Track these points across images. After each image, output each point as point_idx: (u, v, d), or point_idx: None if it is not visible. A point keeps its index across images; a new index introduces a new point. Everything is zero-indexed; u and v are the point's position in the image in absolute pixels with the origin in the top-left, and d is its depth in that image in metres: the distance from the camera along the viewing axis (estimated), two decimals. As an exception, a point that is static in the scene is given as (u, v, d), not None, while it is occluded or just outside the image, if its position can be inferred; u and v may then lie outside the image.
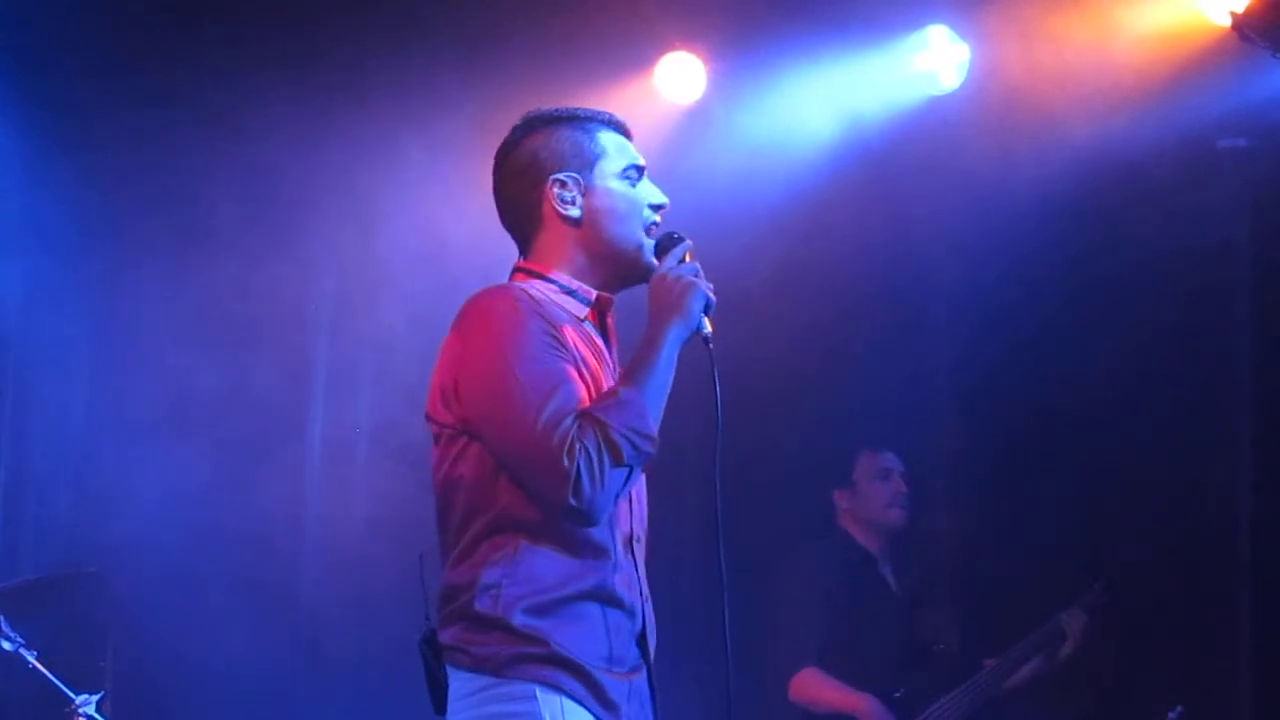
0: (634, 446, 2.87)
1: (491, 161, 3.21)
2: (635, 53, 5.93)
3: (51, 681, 4.64)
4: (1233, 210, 5.66)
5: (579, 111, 3.17)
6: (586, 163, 3.10)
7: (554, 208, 3.08)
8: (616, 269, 3.12)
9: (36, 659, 4.66)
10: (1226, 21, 5.04)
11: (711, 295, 3.08)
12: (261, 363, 5.90)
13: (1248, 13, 4.94)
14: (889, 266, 5.99)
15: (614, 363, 3.12)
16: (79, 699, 4.62)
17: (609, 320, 3.16)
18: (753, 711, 5.43)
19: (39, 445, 5.90)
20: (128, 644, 5.34)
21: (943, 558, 6.02)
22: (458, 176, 5.60)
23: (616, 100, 5.94)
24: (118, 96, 5.78)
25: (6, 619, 4.66)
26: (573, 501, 2.81)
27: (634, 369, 2.95)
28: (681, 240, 3.13)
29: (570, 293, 3.07)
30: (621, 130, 3.18)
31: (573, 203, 3.08)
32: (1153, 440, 5.72)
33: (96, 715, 4.65)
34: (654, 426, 2.92)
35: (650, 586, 3.09)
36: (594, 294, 3.09)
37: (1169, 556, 5.67)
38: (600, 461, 2.83)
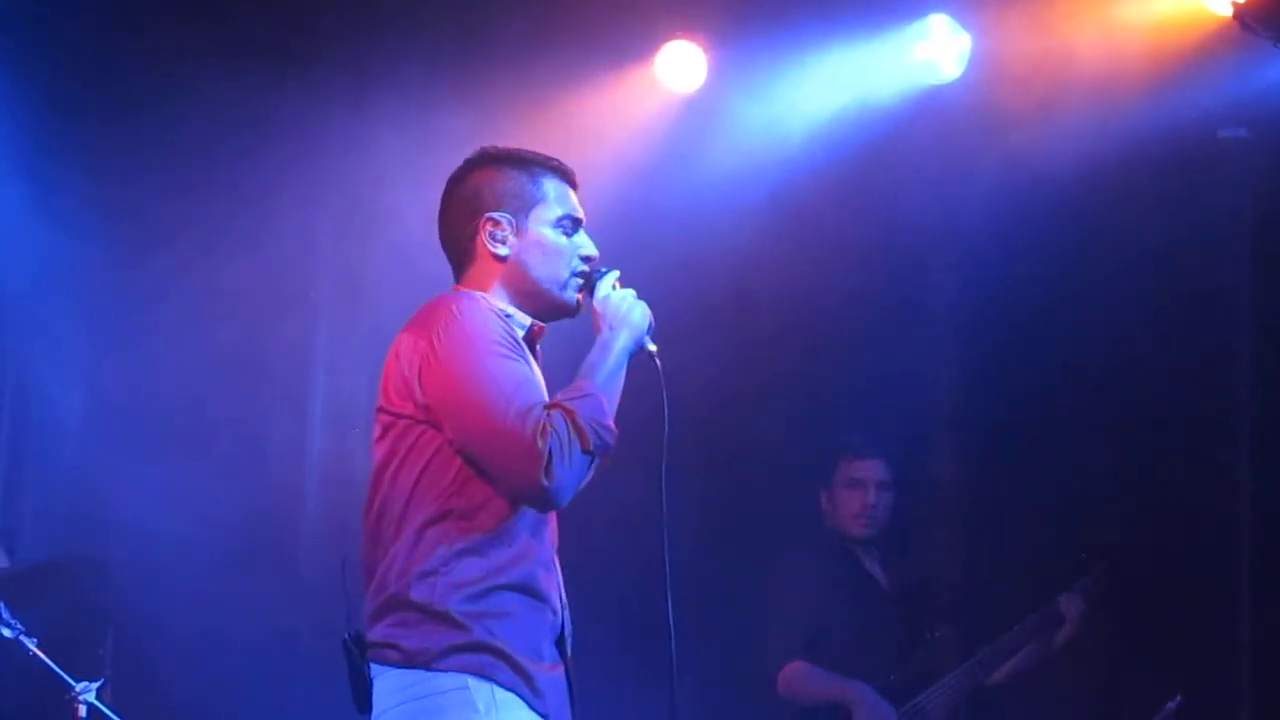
0: (598, 435, 3.02)
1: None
2: (635, 42, 5.92)
3: (51, 669, 4.65)
4: (1233, 200, 5.66)
5: (529, 155, 3.31)
6: (524, 206, 3.25)
7: (484, 243, 3.23)
8: (537, 305, 3.25)
9: (37, 646, 4.66)
10: (1228, 11, 5.04)
11: (651, 318, 3.25)
12: (262, 349, 5.91)
13: (1249, 3, 4.94)
14: (888, 255, 5.99)
15: None
16: (79, 686, 4.62)
17: (537, 349, 3.27)
18: (743, 708, 5.47)
19: (38, 431, 5.91)
20: (128, 631, 5.35)
21: (939, 549, 6.02)
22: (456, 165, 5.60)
23: (617, 90, 5.95)
24: (118, 91, 5.80)
25: (6, 606, 4.67)
26: (544, 481, 2.94)
27: (592, 370, 3.14)
28: (608, 271, 3.29)
29: (508, 316, 3.19)
30: (568, 180, 3.32)
31: (503, 242, 3.23)
32: (1153, 429, 5.72)
33: (96, 703, 4.65)
34: (612, 421, 3.07)
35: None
36: (530, 321, 3.24)
37: (1168, 546, 5.67)
38: (570, 445, 2.97)
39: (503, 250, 3.22)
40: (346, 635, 3.08)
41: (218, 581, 5.66)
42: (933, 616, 5.49)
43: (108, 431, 5.84)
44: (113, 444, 5.79)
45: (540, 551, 3.10)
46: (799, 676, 5.28)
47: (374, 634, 3.04)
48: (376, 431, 3.14)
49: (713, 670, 5.37)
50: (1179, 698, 5.09)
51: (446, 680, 2.95)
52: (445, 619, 2.96)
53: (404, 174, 5.90)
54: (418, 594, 2.98)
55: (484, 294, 3.20)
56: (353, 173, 6.02)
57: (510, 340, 3.08)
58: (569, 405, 3.01)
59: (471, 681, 2.94)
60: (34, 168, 5.76)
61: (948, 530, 6.06)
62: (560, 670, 3.10)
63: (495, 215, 3.22)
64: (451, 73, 5.83)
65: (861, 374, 5.94)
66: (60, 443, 5.92)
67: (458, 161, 3.35)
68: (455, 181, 3.30)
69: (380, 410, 3.13)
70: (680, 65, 5.97)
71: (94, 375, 5.96)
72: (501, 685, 2.96)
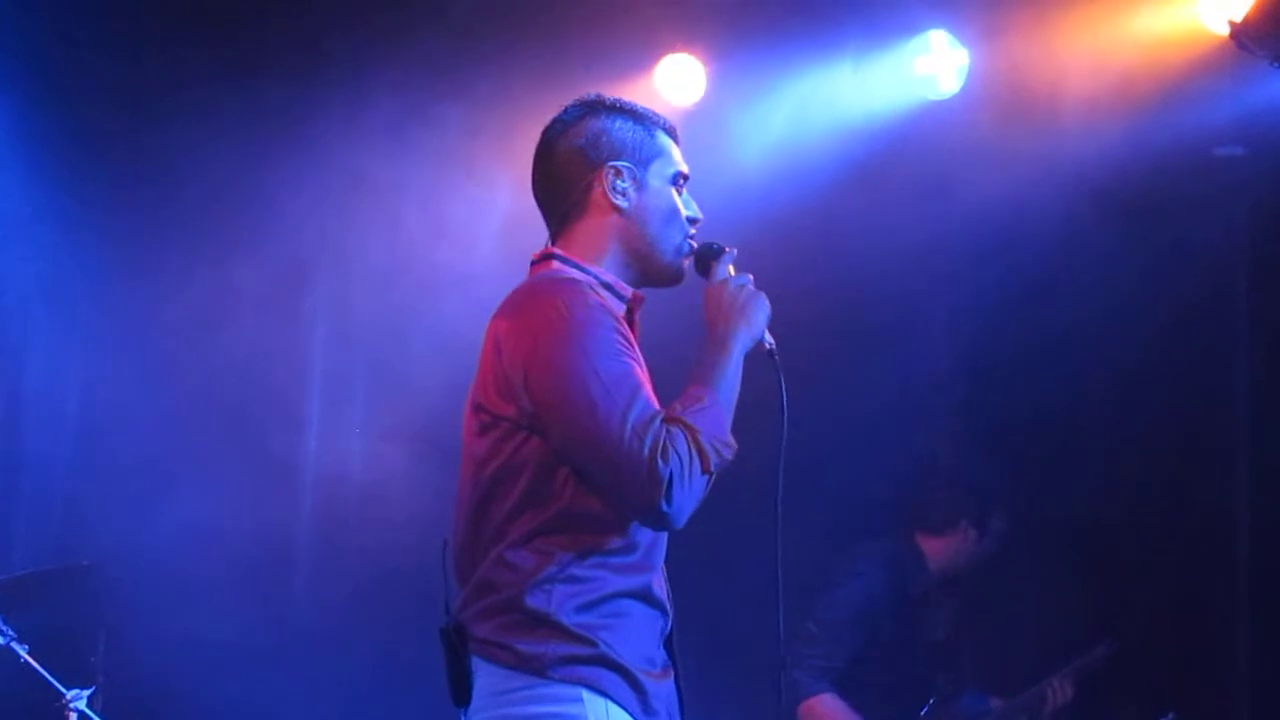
0: (718, 455, 2.83)
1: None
2: (635, 54, 5.92)
3: (43, 676, 4.64)
4: (1230, 217, 5.67)
5: (639, 108, 3.13)
6: (644, 159, 3.06)
7: (605, 193, 3.03)
8: (648, 267, 3.06)
9: (28, 653, 4.66)
10: (1225, 30, 5.05)
11: (769, 310, 3.05)
12: (257, 355, 5.91)
13: (1246, 21, 4.95)
14: (888, 270, 5.98)
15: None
16: (70, 694, 4.63)
17: (636, 318, 3.07)
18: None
19: (33, 438, 5.90)
20: (119, 638, 5.34)
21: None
22: (455, 176, 5.62)
23: (615, 102, 5.94)
24: (117, 98, 5.81)
25: (-1, 613, 4.67)
26: (664, 507, 2.75)
27: (711, 374, 2.92)
28: (726, 250, 3.11)
29: (607, 286, 3.00)
30: (675, 137, 3.15)
31: (624, 193, 3.03)
32: (1150, 446, 5.73)
33: (87, 710, 4.65)
34: (730, 434, 2.88)
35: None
36: (629, 291, 3.03)
37: (1165, 560, 5.68)
38: (691, 467, 2.78)
39: (623, 202, 3.01)
40: (447, 624, 2.89)
41: (211, 588, 5.66)
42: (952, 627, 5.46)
43: (102, 438, 5.84)
44: (107, 450, 5.79)
45: (659, 556, 2.94)
46: (825, 713, 5.08)
47: (481, 630, 2.84)
48: (474, 426, 2.92)
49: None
50: (1171, 714, 5.10)
51: (560, 690, 2.79)
52: (562, 628, 2.80)
53: (403, 184, 5.91)
54: (533, 601, 2.81)
55: (584, 262, 3.00)
56: (350, 182, 6.03)
57: (618, 336, 2.85)
58: (690, 421, 2.80)
59: (586, 694, 2.79)
60: (33, 175, 5.77)
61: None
62: (671, 676, 2.94)
63: (618, 164, 3.02)
64: (451, 87, 5.83)
65: (856, 390, 5.94)
66: (54, 449, 5.92)
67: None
68: (566, 126, 3.08)
69: (479, 408, 2.91)
70: (679, 78, 5.98)
71: (88, 382, 5.96)
72: (615, 701, 2.80)
